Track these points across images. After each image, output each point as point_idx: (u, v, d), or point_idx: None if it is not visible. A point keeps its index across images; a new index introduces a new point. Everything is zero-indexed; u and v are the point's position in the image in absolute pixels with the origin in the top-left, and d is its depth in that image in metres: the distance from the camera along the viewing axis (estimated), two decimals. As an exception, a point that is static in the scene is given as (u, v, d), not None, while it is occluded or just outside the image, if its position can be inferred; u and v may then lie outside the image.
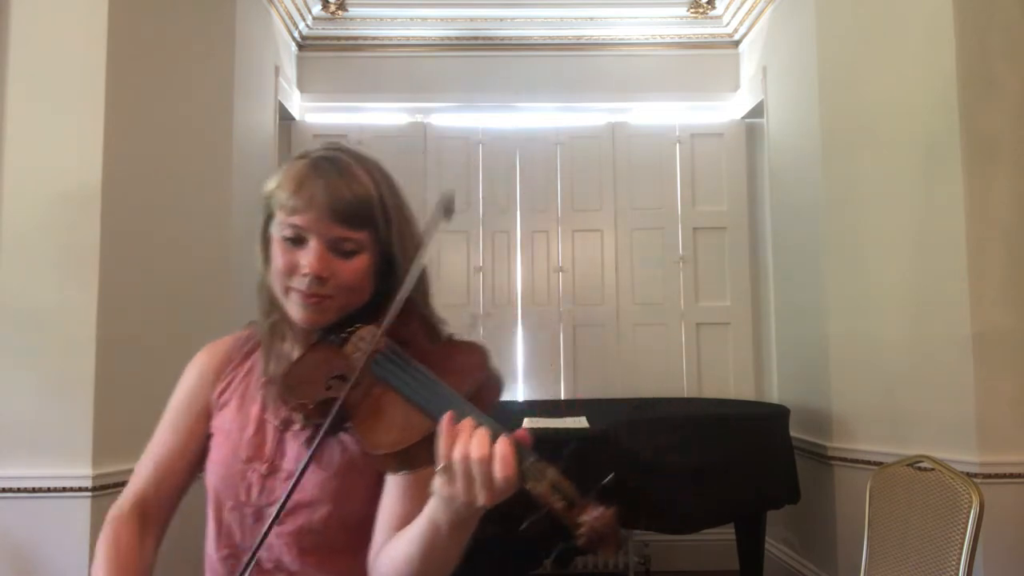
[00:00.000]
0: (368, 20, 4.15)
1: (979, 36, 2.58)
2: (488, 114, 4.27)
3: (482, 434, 0.73)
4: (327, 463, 0.97)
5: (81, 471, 2.28)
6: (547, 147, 4.15)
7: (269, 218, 1.00)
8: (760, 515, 2.98)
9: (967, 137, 2.55)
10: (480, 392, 0.82)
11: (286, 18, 3.87)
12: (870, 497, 2.22)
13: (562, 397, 3.98)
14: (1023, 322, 2.50)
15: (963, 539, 1.91)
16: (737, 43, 4.22)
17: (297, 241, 0.95)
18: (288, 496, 0.83)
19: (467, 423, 0.75)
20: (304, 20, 4.05)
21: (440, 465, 0.75)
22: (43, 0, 2.42)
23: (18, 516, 2.28)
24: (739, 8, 4.00)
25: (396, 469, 0.84)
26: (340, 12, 4.08)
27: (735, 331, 4.05)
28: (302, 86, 4.16)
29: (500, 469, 0.72)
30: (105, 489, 2.32)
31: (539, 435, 2.67)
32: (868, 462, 2.77)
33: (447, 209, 0.91)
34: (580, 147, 4.16)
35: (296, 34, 4.07)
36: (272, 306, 1.02)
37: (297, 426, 0.98)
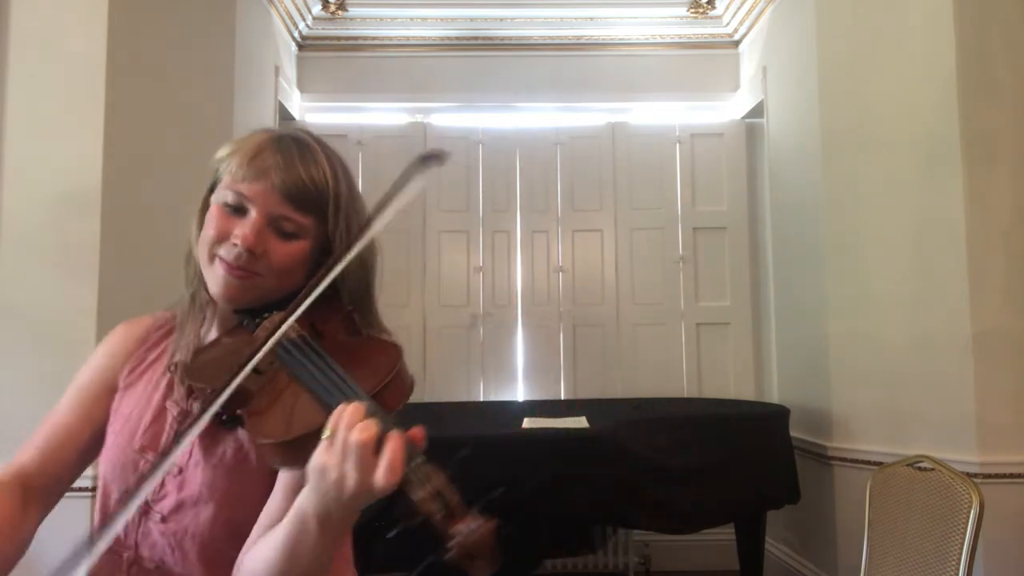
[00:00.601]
0: (368, 20, 4.15)
1: (979, 36, 2.58)
2: (488, 114, 4.27)
3: (371, 422, 0.69)
4: (218, 460, 0.90)
5: (81, 471, 2.28)
6: (547, 147, 4.15)
7: (214, 185, 0.95)
8: (760, 515, 2.98)
9: (967, 137, 2.55)
10: (386, 390, 0.78)
11: (286, 18, 3.87)
12: (870, 497, 2.22)
13: (562, 397, 3.98)
14: (1023, 322, 2.50)
15: (963, 539, 1.91)
16: (737, 43, 4.22)
17: (237, 210, 0.90)
18: (158, 468, 0.76)
19: (359, 406, 0.71)
20: (304, 20, 4.05)
21: (326, 434, 0.70)
22: (43, 0, 2.43)
23: (18, 516, 2.28)
24: (739, 8, 4.00)
25: (281, 463, 0.79)
26: (340, 12, 4.08)
27: (735, 331, 4.05)
28: (302, 86, 4.17)
29: (387, 454, 0.67)
30: (105, 489, 2.32)
31: (539, 435, 2.63)
32: (868, 462, 2.77)
33: (426, 158, 0.80)
34: (580, 147, 4.15)
35: (296, 34, 4.07)
36: (198, 282, 0.97)
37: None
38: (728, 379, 4.01)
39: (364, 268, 0.96)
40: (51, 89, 2.40)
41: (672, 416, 3.04)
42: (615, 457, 2.44)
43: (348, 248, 0.83)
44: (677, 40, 4.23)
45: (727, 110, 4.24)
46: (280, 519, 0.80)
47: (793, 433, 3.04)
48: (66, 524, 2.44)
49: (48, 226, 2.36)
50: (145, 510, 0.92)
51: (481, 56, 4.21)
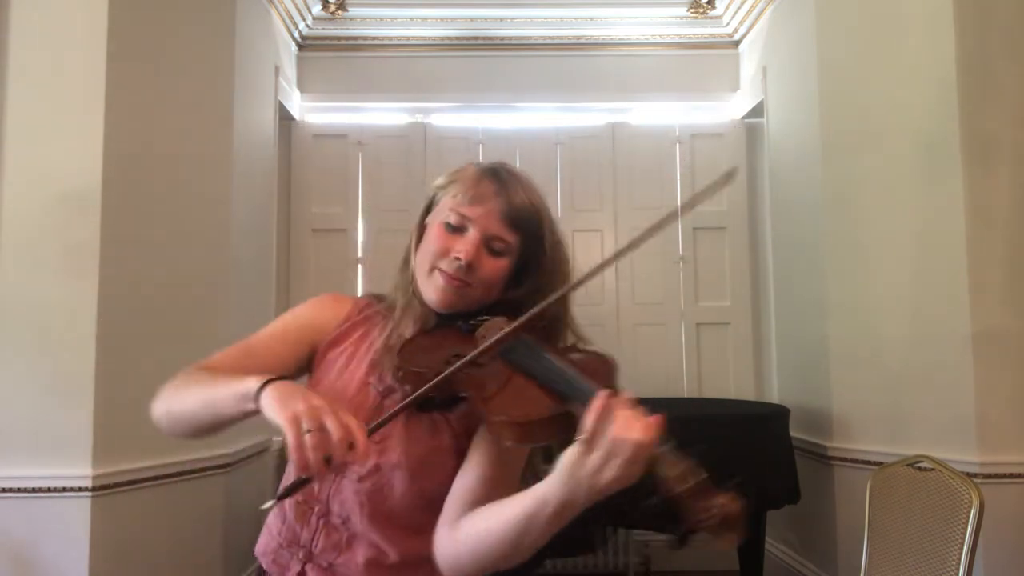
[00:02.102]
0: (368, 20, 4.15)
1: (979, 36, 2.58)
2: (488, 114, 4.26)
3: (640, 415, 0.77)
4: (415, 437, 1.00)
5: (81, 471, 2.28)
6: (547, 147, 4.15)
7: (429, 207, 1.11)
8: (760, 515, 2.98)
9: (967, 137, 2.55)
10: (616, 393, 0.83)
11: (286, 18, 3.87)
12: (870, 497, 2.22)
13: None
14: (1023, 322, 2.50)
15: (963, 539, 1.91)
16: (737, 43, 4.22)
17: (457, 229, 1.04)
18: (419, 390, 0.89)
19: (624, 400, 0.78)
20: (304, 20, 4.05)
21: (583, 436, 0.76)
22: (43, 0, 2.43)
23: (18, 516, 2.28)
24: (739, 8, 4.00)
25: (512, 439, 0.86)
26: (340, 12, 4.08)
27: (735, 331, 4.05)
28: (302, 86, 4.16)
29: (638, 448, 0.76)
30: (105, 489, 2.32)
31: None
32: (868, 462, 2.77)
33: (729, 175, 1.05)
34: (580, 147, 4.15)
35: (296, 34, 4.07)
36: (410, 287, 1.10)
37: (398, 396, 1.02)
38: (728, 379, 4.01)
39: (540, 286, 1.07)
40: (51, 89, 2.40)
41: (672, 416, 3.04)
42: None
43: (554, 276, 1.06)
44: (677, 40, 4.23)
45: (727, 110, 4.24)
46: (476, 495, 0.93)
47: (793, 433, 3.04)
48: (66, 524, 2.46)
49: (48, 226, 2.36)
50: (343, 468, 0.97)
51: (481, 56, 4.21)
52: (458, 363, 0.89)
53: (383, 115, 4.23)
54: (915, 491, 2.10)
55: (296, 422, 0.80)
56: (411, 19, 4.14)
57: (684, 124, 4.17)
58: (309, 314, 1.16)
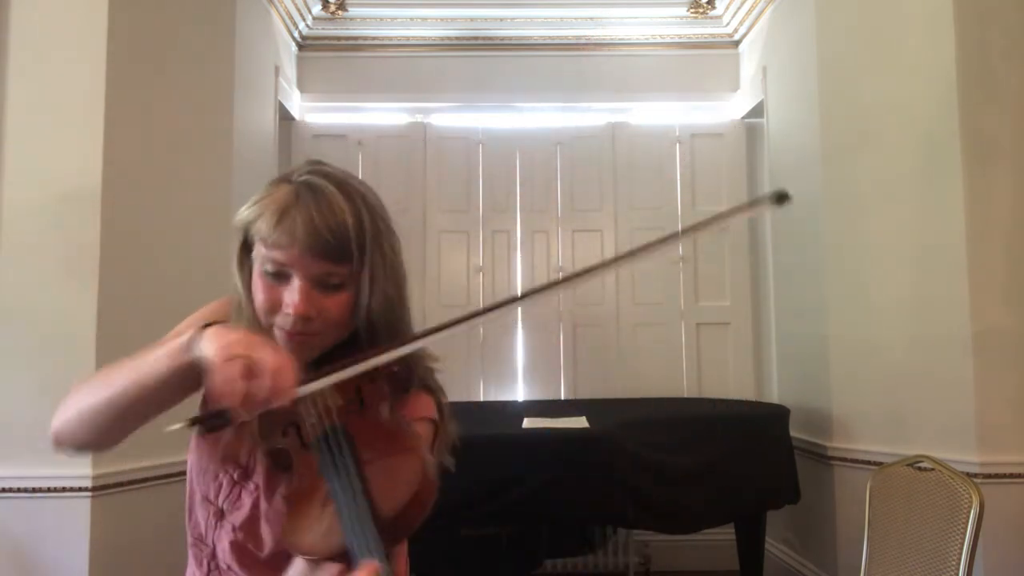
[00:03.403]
0: (368, 20, 4.15)
1: (979, 36, 2.58)
2: (488, 114, 4.27)
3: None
4: (284, 492, 0.94)
5: (81, 471, 2.28)
6: (547, 147, 4.15)
7: (246, 243, 0.96)
8: (760, 515, 2.99)
9: (967, 137, 2.55)
10: (406, 510, 0.81)
11: (286, 18, 3.87)
12: (870, 497, 2.22)
13: (562, 397, 3.98)
14: (1023, 322, 2.50)
15: (963, 539, 1.91)
16: (737, 43, 4.22)
17: (279, 276, 0.91)
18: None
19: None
20: (304, 20, 4.05)
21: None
22: (43, 1, 2.42)
23: (18, 516, 2.28)
24: (739, 8, 4.00)
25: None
26: (340, 12, 4.08)
27: (735, 331, 4.05)
28: (302, 86, 4.17)
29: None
30: (105, 489, 2.32)
31: (539, 436, 2.63)
32: (868, 462, 2.77)
33: (779, 197, 0.91)
34: (580, 147, 4.16)
35: (296, 34, 4.07)
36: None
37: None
38: (728, 379, 4.01)
39: (391, 306, 0.97)
40: (51, 90, 2.39)
41: (672, 416, 3.04)
42: (615, 457, 2.44)
43: (387, 298, 0.96)
44: (677, 40, 4.23)
45: (727, 110, 4.24)
46: None
47: (793, 433, 3.04)
48: (66, 524, 2.45)
49: (48, 228, 2.35)
50: (219, 515, 0.96)
51: (481, 56, 4.21)
52: (311, 386, 0.85)
53: (383, 115, 4.24)
54: (915, 491, 2.10)
55: (227, 349, 0.79)
56: (411, 19, 4.14)
57: (684, 124, 4.17)
58: (217, 317, 1.07)
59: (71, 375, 2.46)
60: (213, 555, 0.97)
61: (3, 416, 2.31)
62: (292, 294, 0.90)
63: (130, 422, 0.94)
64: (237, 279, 0.99)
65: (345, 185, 0.94)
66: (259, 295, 0.93)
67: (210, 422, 0.82)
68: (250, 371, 0.77)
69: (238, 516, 0.95)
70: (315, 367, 0.92)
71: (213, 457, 0.98)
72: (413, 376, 1.00)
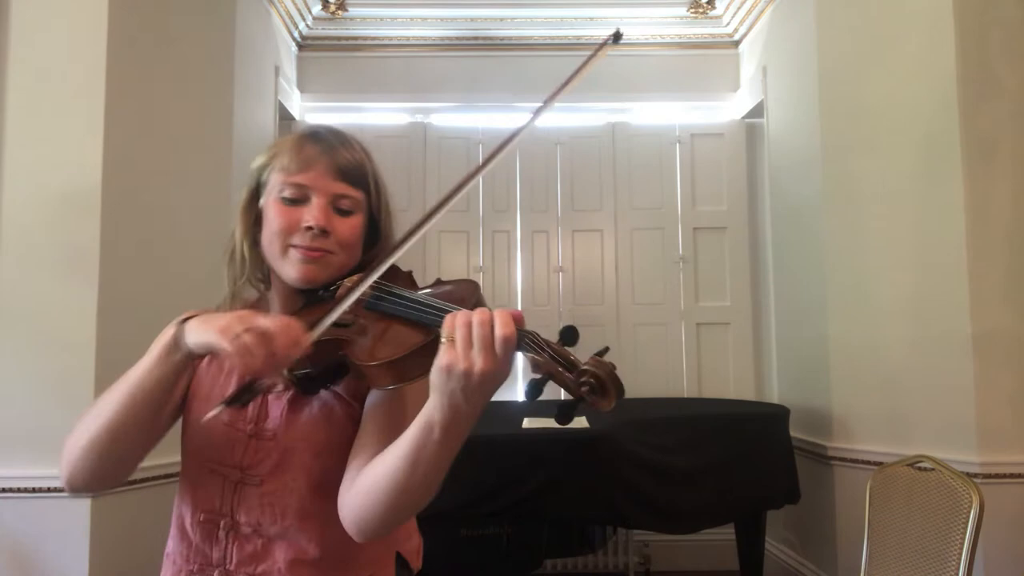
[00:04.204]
0: (368, 20, 4.15)
1: (979, 36, 2.58)
2: (488, 114, 4.27)
3: (482, 309, 0.77)
4: (306, 417, 0.99)
5: (81, 471, 2.28)
6: (547, 147, 4.15)
7: (257, 189, 1.03)
8: (760, 515, 2.98)
9: (967, 137, 2.55)
10: (478, 307, 0.84)
11: (286, 18, 3.87)
12: (870, 497, 2.22)
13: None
14: (1023, 322, 2.50)
15: (963, 539, 1.91)
16: (737, 43, 4.22)
17: (297, 201, 0.98)
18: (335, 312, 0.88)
19: (466, 311, 0.78)
20: (304, 20, 4.05)
21: (444, 339, 0.77)
22: (43, 0, 2.42)
23: (18, 516, 2.28)
24: (739, 8, 4.00)
25: (390, 380, 0.87)
26: (340, 12, 4.08)
27: (735, 331, 4.05)
28: (302, 86, 4.17)
29: (500, 327, 0.74)
30: (105, 489, 2.32)
31: (539, 436, 2.62)
32: (868, 462, 2.77)
33: (617, 36, 0.99)
34: (580, 147, 4.16)
35: (296, 34, 4.07)
36: (254, 276, 1.06)
37: (280, 387, 1.00)
38: (728, 379, 4.01)
39: (393, 237, 1.06)
40: (51, 89, 2.39)
41: (672, 416, 3.04)
42: (615, 457, 2.44)
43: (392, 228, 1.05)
44: (677, 40, 4.23)
45: (727, 110, 4.24)
46: (371, 446, 0.91)
47: (793, 433, 3.04)
48: (66, 524, 2.45)
49: (48, 227, 2.35)
50: (241, 479, 0.98)
51: (481, 56, 4.21)
52: (321, 326, 0.87)
53: (383, 115, 4.24)
54: (915, 491, 2.10)
55: (229, 330, 0.80)
56: (411, 19, 4.15)
57: (684, 124, 4.17)
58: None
59: (71, 375, 2.47)
60: (233, 524, 0.98)
61: (3, 416, 2.31)
62: (311, 211, 0.97)
63: (134, 444, 0.96)
64: (238, 227, 1.05)
65: (351, 134, 1.06)
66: (278, 221, 0.98)
67: (245, 396, 0.87)
68: (262, 338, 0.80)
69: (264, 467, 0.97)
70: (326, 288, 0.99)
71: (217, 423, 0.99)
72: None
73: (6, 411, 2.31)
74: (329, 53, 4.19)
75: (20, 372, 2.32)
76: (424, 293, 0.94)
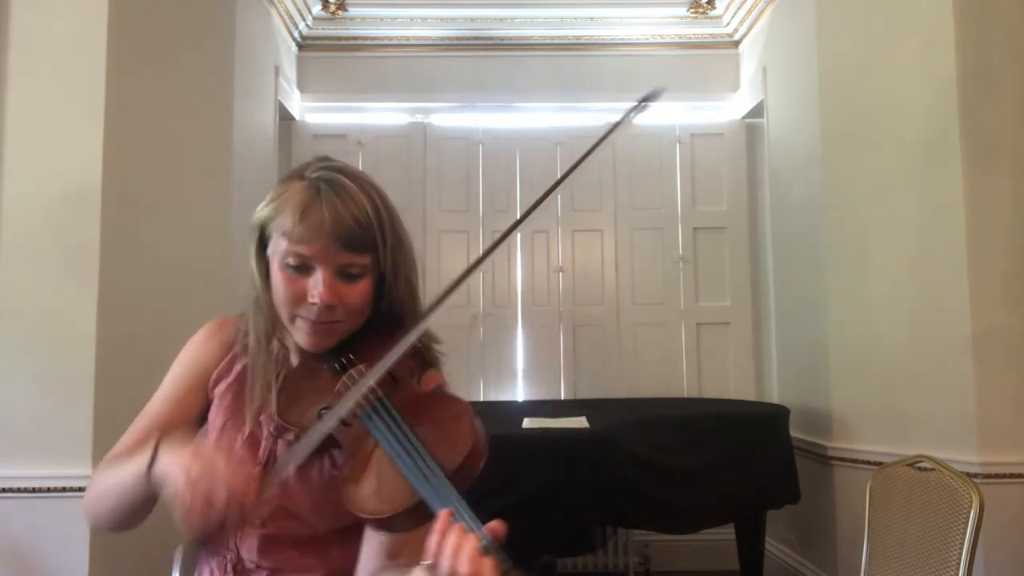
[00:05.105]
0: (368, 20, 4.15)
1: (979, 36, 2.58)
2: (488, 114, 4.26)
3: (472, 546, 0.76)
4: (312, 480, 0.98)
5: (81, 471, 2.28)
6: (547, 147, 4.15)
7: (263, 238, 0.99)
8: (760, 515, 2.98)
9: (967, 137, 2.55)
10: (466, 462, 0.85)
11: (286, 18, 3.87)
12: (870, 497, 2.22)
13: (562, 397, 3.98)
14: (1023, 322, 2.50)
15: (963, 539, 1.91)
16: (737, 43, 4.22)
17: (301, 269, 0.94)
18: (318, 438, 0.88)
19: (459, 529, 0.77)
20: (304, 20, 4.05)
21: (427, 561, 0.77)
22: (43, 0, 2.42)
23: (18, 516, 2.28)
24: (739, 8, 4.00)
25: (376, 529, 0.89)
26: (340, 12, 4.08)
27: (735, 331, 4.05)
28: (302, 86, 4.17)
29: None
30: (105, 489, 2.32)
31: (539, 436, 2.62)
32: (868, 462, 2.77)
33: (647, 98, 0.99)
34: (580, 147, 4.09)
35: (296, 34, 4.07)
36: (272, 327, 1.04)
37: (291, 436, 0.99)
38: (728, 379, 4.01)
39: (412, 289, 1.05)
40: (51, 89, 2.39)
41: (672, 416, 3.04)
42: (615, 457, 2.44)
43: (408, 283, 1.03)
44: (677, 40, 4.23)
45: (727, 110, 4.24)
46: (377, 561, 0.93)
47: (793, 433, 3.04)
48: (66, 524, 2.45)
49: (48, 227, 2.35)
50: (241, 526, 0.98)
51: (481, 56, 4.21)
52: (323, 428, 0.88)
53: (383, 115, 4.24)
54: (915, 491, 2.10)
55: (184, 493, 0.80)
56: (411, 19, 4.14)
57: (684, 124, 4.17)
58: (192, 359, 1.10)
59: (71, 375, 2.47)
60: (238, 558, 0.99)
61: (3, 416, 2.31)
62: (317, 285, 0.94)
63: (146, 513, 1.00)
64: (255, 274, 1.02)
65: (359, 178, 0.98)
66: (281, 289, 0.96)
67: (202, 547, 0.89)
68: (207, 499, 0.79)
69: (264, 511, 0.97)
70: (337, 355, 0.99)
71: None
72: (431, 352, 1.06)
73: (6, 411, 2.31)
74: (329, 53, 4.19)
75: (20, 372, 2.32)
76: (415, 425, 0.90)
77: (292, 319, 0.97)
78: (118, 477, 0.95)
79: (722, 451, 2.69)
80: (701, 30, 4.21)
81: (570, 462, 2.39)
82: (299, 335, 0.98)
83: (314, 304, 0.93)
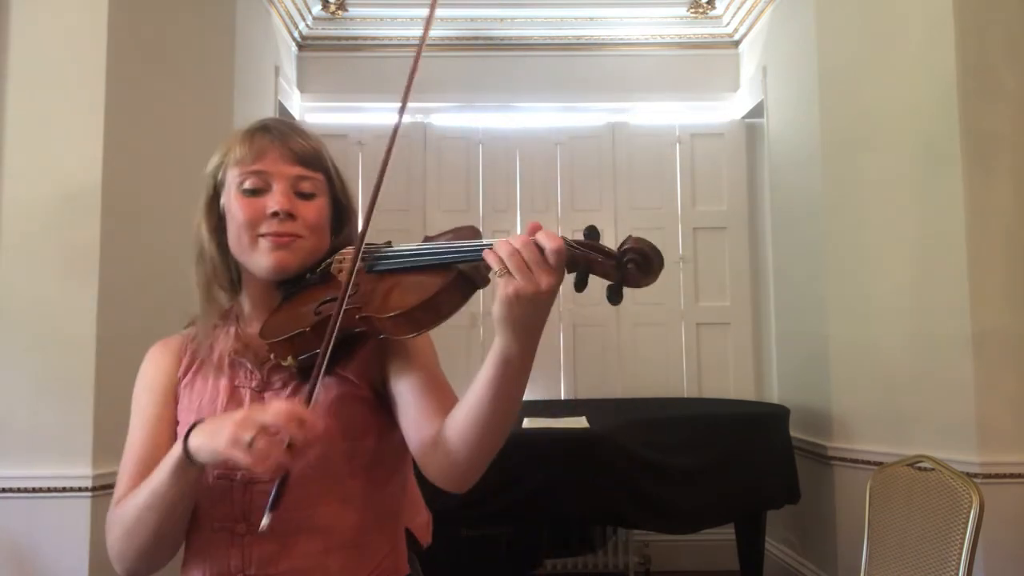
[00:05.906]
0: (368, 20, 4.15)
1: (979, 36, 2.58)
2: (488, 114, 4.27)
3: (512, 236, 0.79)
4: (329, 402, 0.97)
5: (81, 471, 2.28)
6: (547, 147, 4.15)
7: (215, 191, 1.03)
8: (760, 515, 2.98)
9: (967, 137, 2.55)
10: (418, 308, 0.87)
11: (286, 18, 3.87)
12: (870, 497, 2.22)
13: (562, 397, 3.97)
14: (1023, 322, 2.50)
15: (963, 539, 1.91)
16: (737, 43, 4.22)
17: (258, 191, 0.99)
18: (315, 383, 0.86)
19: (504, 240, 0.79)
20: (304, 20, 4.05)
21: (498, 271, 0.78)
22: (43, 0, 2.42)
23: (18, 516, 2.28)
24: (739, 8, 4.00)
25: (421, 325, 0.87)
26: (340, 12, 4.08)
27: (735, 331, 4.05)
28: (302, 86, 4.16)
29: (546, 241, 0.76)
30: (105, 489, 2.32)
31: (539, 435, 2.63)
32: (868, 462, 2.77)
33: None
34: (580, 147, 4.16)
35: (296, 34, 4.07)
36: (214, 273, 1.05)
37: (277, 383, 0.99)
38: (728, 379, 4.01)
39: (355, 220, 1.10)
40: (51, 88, 2.39)
41: (672, 416, 3.04)
42: (615, 457, 2.44)
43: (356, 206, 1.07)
44: (677, 40, 4.23)
45: (727, 110, 4.24)
46: (430, 403, 0.94)
47: (793, 433, 3.04)
48: (66, 524, 2.45)
49: (48, 227, 2.35)
50: (309, 447, 0.96)
51: (481, 56, 4.21)
52: (343, 296, 0.87)
53: (383, 115, 4.23)
54: (915, 491, 2.10)
55: (236, 442, 0.79)
56: (411, 19, 4.14)
57: (684, 124, 4.17)
58: (151, 380, 1.08)
59: (71, 375, 2.47)
60: (249, 527, 0.95)
61: (3, 416, 2.31)
62: (274, 196, 0.98)
63: (175, 533, 0.97)
64: (203, 227, 1.04)
65: (301, 124, 1.08)
66: (240, 213, 0.99)
67: (282, 493, 0.84)
68: (274, 438, 0.79)
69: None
70: (313, 271, 1.00)
71: (207, 476, 0.97)
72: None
73: (6, 411, 2.31)
74: (329, 53, 4.19)
75: (20, 372, 2.32)
76: (424, 242, 0.95)
77: (254, 241, 0.98)
78: (147, 493, 0.92)
79: (722, 451, 2.69)
80: (701, 30, 4.21)
81: (570, 462, 2.39)
82: (262, 257, 0.98)
83: (275, 214, 0.97)
